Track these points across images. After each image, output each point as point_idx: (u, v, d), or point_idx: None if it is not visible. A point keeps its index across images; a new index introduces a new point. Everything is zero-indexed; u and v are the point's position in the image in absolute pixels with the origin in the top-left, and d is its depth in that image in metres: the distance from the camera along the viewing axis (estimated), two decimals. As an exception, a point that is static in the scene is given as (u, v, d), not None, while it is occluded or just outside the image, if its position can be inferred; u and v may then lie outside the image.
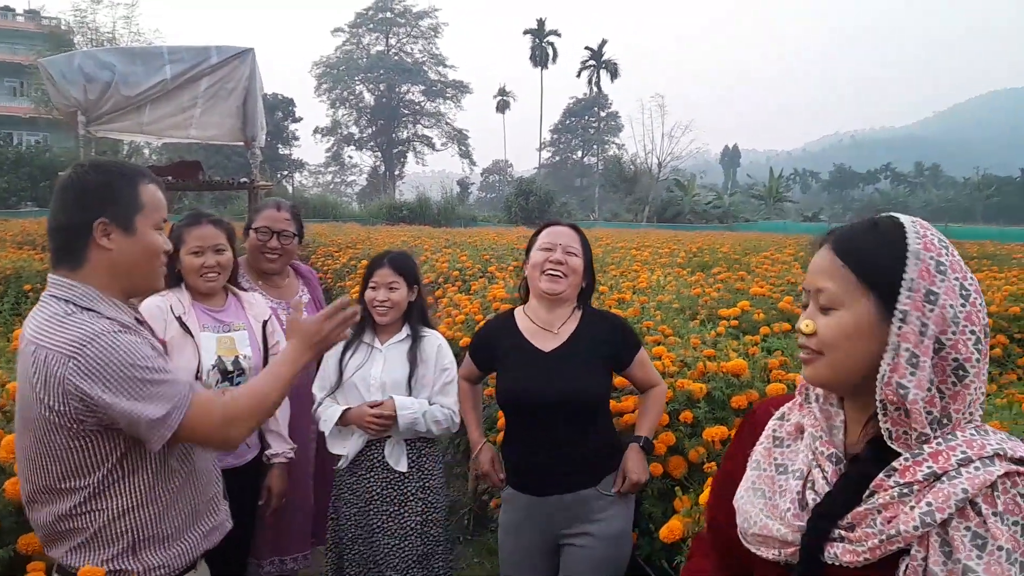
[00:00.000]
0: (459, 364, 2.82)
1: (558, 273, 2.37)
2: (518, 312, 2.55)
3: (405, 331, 2.80)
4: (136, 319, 1.66)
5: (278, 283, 3.18)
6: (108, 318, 1.54)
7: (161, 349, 1.66)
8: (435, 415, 2.70)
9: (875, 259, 1.02)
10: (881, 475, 1.00)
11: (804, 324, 1.07)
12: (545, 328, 2.43)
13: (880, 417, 1.02)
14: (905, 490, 0.97)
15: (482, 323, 3.15)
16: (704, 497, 1.95)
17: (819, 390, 1.15)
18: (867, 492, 1.01)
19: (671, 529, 2.03)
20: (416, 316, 2.84)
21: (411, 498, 2.71)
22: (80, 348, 1.45)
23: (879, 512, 0.98)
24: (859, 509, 1.00)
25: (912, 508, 0.95)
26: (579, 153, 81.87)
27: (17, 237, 11.73)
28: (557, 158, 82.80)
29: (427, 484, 2.75)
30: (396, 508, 2.69)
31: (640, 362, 2.47)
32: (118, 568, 1.56)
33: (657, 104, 54.35)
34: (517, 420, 2.46)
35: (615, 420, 2.64)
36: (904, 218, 1.05)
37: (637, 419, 2.51)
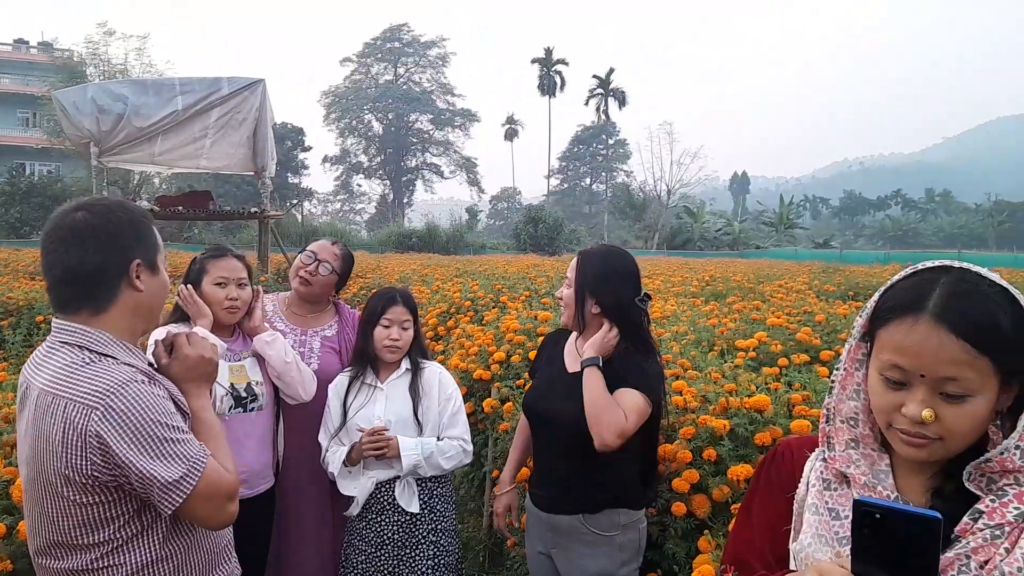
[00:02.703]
0: (468, 398, 2.77)
1: (560, 306, 2.42)
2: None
3: (405, 365, 2.77)
4: (150, 364, 1.61)
5: (306, 312, 3.11)
6: (127, 364, 1.49)
7: (183, 400, 1.61)
8: (444, 450, 2.65)
9: (1019, 347, 0.96)
10: (966, 518, 0.98)
11: (926, 413, 0.98)
12: (577, 350, 2.38)
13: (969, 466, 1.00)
14: (996, 532, 0.95)
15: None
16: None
17: (850, 435, 1.12)
18: (951, 536, 0.98)
19: (703, 574, 1.94)
20: (416, 350, 2.81)
21: (423, 541, 2.65)
22: (104, 398, 1.39)
23: (969, 557, 0.95)
24: (947, 555, 0.96)
25: (1008, 550, 0.93)
26: (587, 180, 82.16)
27: (29, 268, 11.75)
28: (565, 185, 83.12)
29: (439, 526, 2.69)
30: (408, 552, 2.63)
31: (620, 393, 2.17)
32: None
33: (665, 131, 54.78)
34: (533, 431, 2.50)
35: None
36: (1010, 287, 0.99)
37: None
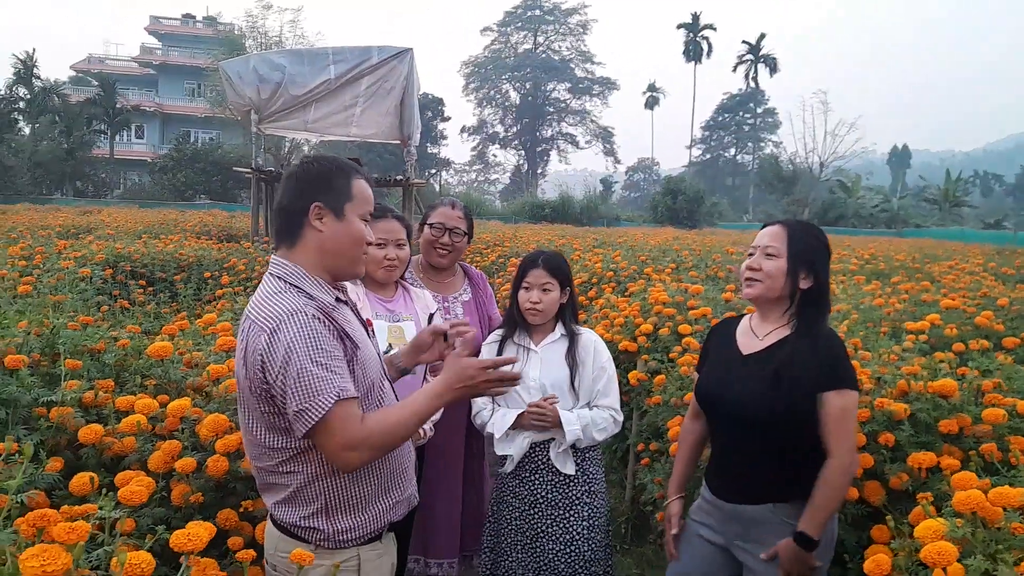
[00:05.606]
0: (617, 367, 2.71)
1: (753, 278, 2.17)
2: (750, 314, 2.34)
3: (559, 331, 2.75)
4: (338, 298, 1.78)
5: (442, 279, 3.19)
6: (310, 296, 1.67)
7: (361, 332, 1.80)
8: (598, 423, 2.64)
9: None
10: None
11: None
12: (754, 331, 2.24)
13: None
14: None
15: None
16: (921, 529, 1.66)
17: None
18: None
19: (877, 564, 1.75)
20: (569, 316, 2.78)
21: (576, 502, 2.65)
22: (272, 322, 1.59)
23: None
24: None
25: None
26: (732, 151, 78.95)
27: (196, 228, 12.74)
28: (708, 156, 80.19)
29: (592, 488, 2.70)
30: (562, 512, 2.64)
31: (828, 404, 2.00)
32: (313, 526, 1.69)
33: (820, 100, 51.50)
34: (709, 420, 2.33)
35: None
36: None
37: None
